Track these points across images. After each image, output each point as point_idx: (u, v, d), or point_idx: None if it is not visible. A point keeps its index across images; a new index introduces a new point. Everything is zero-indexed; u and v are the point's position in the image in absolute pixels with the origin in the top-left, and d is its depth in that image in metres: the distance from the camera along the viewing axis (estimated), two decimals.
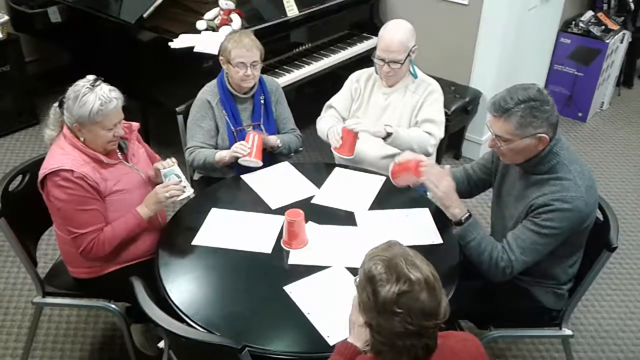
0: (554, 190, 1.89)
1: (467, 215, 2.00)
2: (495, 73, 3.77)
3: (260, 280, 1.94)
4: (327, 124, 2.67)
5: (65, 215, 2.03)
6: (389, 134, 2.47)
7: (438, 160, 3.22)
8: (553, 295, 2.14)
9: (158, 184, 2.14)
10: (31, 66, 4.34)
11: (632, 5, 4.70)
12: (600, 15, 4.54)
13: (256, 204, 2.29)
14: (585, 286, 2.14)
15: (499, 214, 2.18)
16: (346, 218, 2.23)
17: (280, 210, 2.20)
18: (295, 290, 1.86)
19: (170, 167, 2.12)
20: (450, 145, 3.93)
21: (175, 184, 2.09)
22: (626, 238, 3.36)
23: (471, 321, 2.35)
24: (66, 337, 2.60)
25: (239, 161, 2.45)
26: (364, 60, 3.79)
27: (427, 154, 2.68)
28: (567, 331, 2.21)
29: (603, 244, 2.04)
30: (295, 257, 2.02)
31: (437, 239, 2.14)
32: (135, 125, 2.24)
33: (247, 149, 2.42)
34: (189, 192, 2.13)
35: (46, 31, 4.12)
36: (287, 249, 2.05)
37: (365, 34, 4.02)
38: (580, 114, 4.58)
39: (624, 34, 4.58)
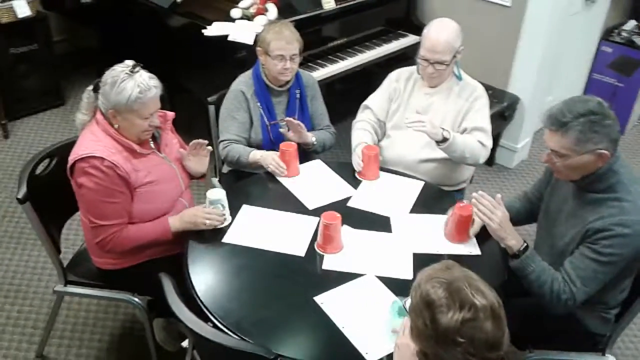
0: (612, 213, 1.77)
1: (524, 246, 1.88)
2: (535, 78, 3.64)
3: (293, 285, 1.85)
4: (355, 140, 2.53)
5: (88, 204, 1.95)
6: (445, 139, 2.32)
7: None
8: (600, 319, 2.03)
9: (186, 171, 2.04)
10: (59, 46, 4.27)
11: None
12: None
13: (290, 203, 2.20)
14: (635, 312, 2.02)
15: (546, 230, 2.06)
16: (382, 223, 2.13)
17: (316, 212, 2.10)
18: (327, 301, 1.76)
19: (219, 195, 2.02)
20: None
21: (219, 214, 2.00)
22: None
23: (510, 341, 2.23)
24: (85, 326, 2.53)
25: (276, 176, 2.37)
26: (399, 58, 3.68)
27: (476, 165, 2.57)
28: (610, 358, 2.10)
29: None
30: (329, 263, 1.93)
31: (475, 250, 2.03)
32: (170, 114, 2.16)
33: (283, 170, 2.33)
34: (227, 221, 2.05)
35: (76, 11, 4.05)
36: (321, 253, 1.96)
37: (401, 32, 3.90)
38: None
39: None
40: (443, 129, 2.33)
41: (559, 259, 1.90)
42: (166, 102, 3.39)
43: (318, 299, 1.76)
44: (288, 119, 2.43)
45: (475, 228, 2.05)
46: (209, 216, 1.98)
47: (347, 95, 2.86)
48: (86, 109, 2.00)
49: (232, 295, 1.80)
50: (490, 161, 3.90)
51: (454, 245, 2.05)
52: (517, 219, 2.21)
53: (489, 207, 1.91)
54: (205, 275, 1.86)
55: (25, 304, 2.62)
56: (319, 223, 1.97)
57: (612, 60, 4.28)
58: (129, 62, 1.95)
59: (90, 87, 1.99)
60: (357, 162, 2.40)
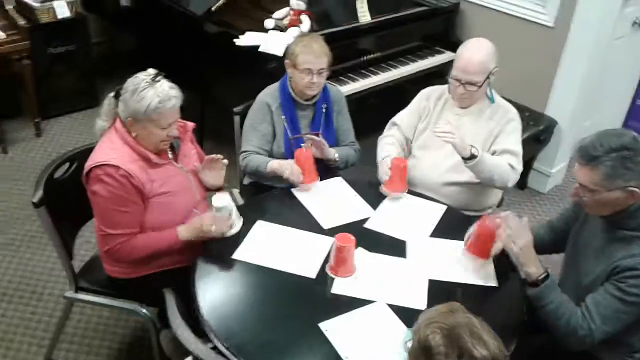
0: None
1: (544, 275, 1.79)
2: (575, 102, 3.50)
3: (300, 309, 1.79)
4: (383, 152, 2.46)
5: (100, 212, 1.94)
6: (473, 156, 2.22)
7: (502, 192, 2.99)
8: None
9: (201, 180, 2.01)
10: (97, 48, 4.34)
11: None
12: None
13: (305, 221, 2.14)
14: None
15: (572, 266, 1.96)
16: (397, 248, 2.06)
17: (332, 231, 2.04)
18: (331, 328, 1.69)
19: (226, 202, 1.97)
20: None
21: (226, 220, 1.96)
22: None
23: None
24: (96, 332, 2.53)
25: (292, 190, 2.31)
26: (434, 75, 3.60)
27: (504, 188, 2.48)
28: None
29: None
30: (340, 287, 1.86)
31: (491, 281, 1.94)
32: (191, 125, 2.13)
33: (299, 176, 2.28)
34: (237, 228, 2.01)
35: (115, 14, 4.11)
36: (333, 276, 1.90)
37: (438, 48, 3.81)
38: None
39: None
40: (472, 146, 2.24)
41: (583, 295, 1.80)
42: (197, 109, 3.47)
43: (323, 325, 1.70)
44: (309, 136, 2.38)
45: (496, 247, 1.95)
46: (215, 223, 1.93)
47: (378, 111, 2.80)
48: (106, 115, 2.00)
49: (237, 316, 1.76)
50: (523, 185, 3.77)
51: (472, 275, 1.97)
52: (541, 247, 2.11)
53: (514, 229, 1.82)
54: (212, 293, 1.82)
55: (39, 305, 2.63)
56: (332, 244, 1.91)
57: None
58: (152, 71, 1.94)
59: (112, 94, 1.98)
60: (384, 171, 2.32)
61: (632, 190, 1.66)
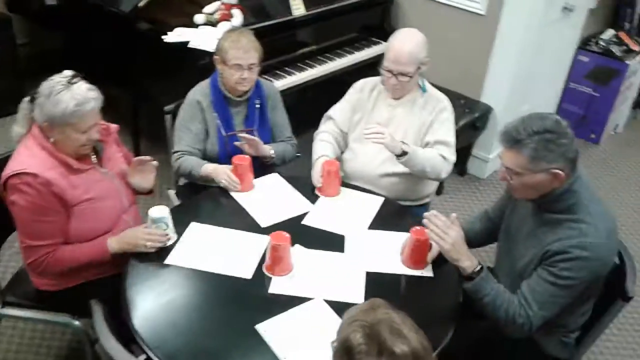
0: (571, 235, 1.70)
1: (478, 268, 1.80)
2: (509, 88, 3.58)
3: (237, 312, 1.75)
4: (317, 151, 2.44)
5: (20, 223, 1.84)
6: (404, 152, 2.25)
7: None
8: (559, 344, 1.96)
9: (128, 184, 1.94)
10: (22, 49, 4.14)
11: None
12: (622, 34, 4.33)
13: (241, 221, 2.10)
14: (595, 336, 1.96)
15: (506, 251, 1.99)
16: (335, 243, 2.04)
17: (269, 230, 1.99)
18: (269, 329, 1.66)
19: (162, 214, 1.90)
20: (456, 162, 3.71)
21: (161, 235, 1.89)
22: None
23: None
24: (30, 346, 2.41)
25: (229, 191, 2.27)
26: (372, 66, 3.59)
27: (439, 179, 2.50)
28: None
29: (617, 292, 1.86)
30: (277, 286, 1.83)
31: (427, 271, 1.96)
32: (114, 127, 2.05)
33: (237, 186, 2.23)
34: (172, 240, 1.94)
35: (41, 13, 3.93)
36: (269, 275, 1.86)
37: (374, 39, 3.82)
38: (593, 136, 4.38)
39: None
40: (403, 142, 2.25)
41: (518, 279, 1.83)
42: (128, 111, 3.36)
43: (260, 327, 1.66)
44: (244, 135, 2.33)
45: (433, 253, 1.97)
46: (150, 237, 1.87)
47: (317, 104, 2.78)
48: (22, 121, 1.90)
49: (171, 323, 1.69)
50: (463, 171, 3.83)
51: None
52: (478, 239, 2.15)
53: (441, 227, 1.82)
54: (144, 301, 1.75)
55: None
56: (268, 243, 1.88)
57: (589, 69, 4.22)
58: (68, 72, 1.85)
59: (27, 98, 1.88)
60: (316, 177, 2.31)
61: (555, 172, 1.68)
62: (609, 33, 4.35)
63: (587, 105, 4.31)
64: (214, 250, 1.94)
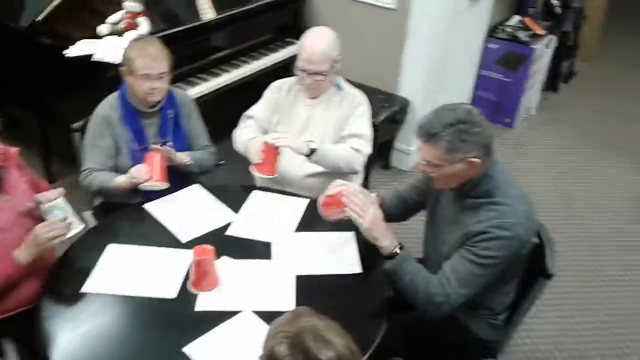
0: (491, 216, 1.75)
1: (399, 247, 1.81)
2: (424, 80, 3.64)
3: (162, 335, 1.67)
4: (247, 135, 2.43)
5: None
6: (312, 151, 2.26)
7: (367, 173, 3.04)
8: (488, 326, 2.00)
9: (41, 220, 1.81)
10: None
11: (558, 10, 4.70)
12: (527, 20, 4.50)
13: (161, 237, 2.02)
14: (521, 315, 2.01)
15: (433, 238, 2.02)
16: (262, 250, 2.00)
17: (192, 244, 1.93)
18: (196, 351, 1.59)
19: (53, 201, 1.79)
20: (379, 156, 3.77)
21: (60, 221, 1.77)
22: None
23: (401, 357, 2.16)
24: None
25: (140, 187, 2.16)
26: (289, 67, 3.56)
27: (355, 172, 2.51)
28: None
29: (538, 270, 1.92)
30: (204, 302, 1.77)
31: (356, 268, 1.95)
32: (14, 150, 1.91)
33: (146, 173, 2.14)
34: (77, 228, 1.82)
35: None
36: (195, 292, 1.79)
37: (289, 39, 3.79)
38: (507, 120, 4.54)
39: (550, 38, 4.57)
40: (309, 141, 2.26)
41: None
42: (35, 132, 3.17)
43: (188, 349, 1.60)
44: (154, 146, 2.25)
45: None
46: (49, 229, 1.73)
47: (236, 110, 2.71)
48: None
49: (92, 356, 1.60)
50: (387, 165, 3.87)
51: (337, 265, 1.96)
52: (388, 216, 2.13)
53: (360, 206, 1.83)
54: (61, 334, 1.64)
55: None
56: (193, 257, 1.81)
57: (499, 56, 4.37)
58: None
59: None
60: (254, 153, 2.24)
61: (472, 161, 1.72)
62: (515, 19, 4.52)
63: (500, 90, 4.46)
64: (133, 271, 1.85)
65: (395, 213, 2.16)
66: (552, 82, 5.09)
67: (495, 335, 2.03)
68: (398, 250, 1.81)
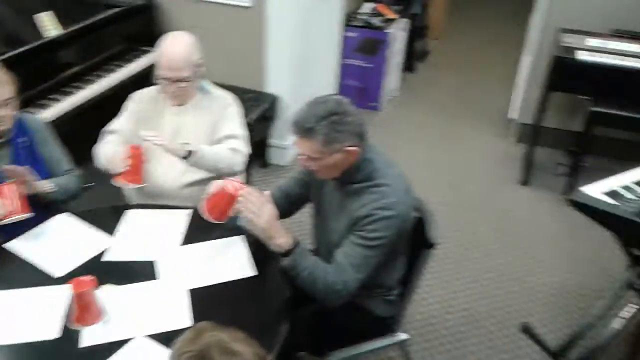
0: (374, 198, 1.80)
1: (295, 243, 1.81)
2: (289, 75, 3.67)
3: None
4: (109, 148, 2.31)
5: None
6: (190, 153, 2.19)
7: (247, 174, 3.00)
8: (384, 303, 2.07)
9: None
10: None
11: None
12: (379, 6, 4.69)
13: (32, 276, 1.85)
14: (413, 287, 2.10)
15: (321, 228, 2.04)
16: (147, 271, 1.90)
17: (68, 277, 1.79)
18: None
19: None
20: (256, 155, 3.72)
21: None
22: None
23: (307, 351, 2.17)
24: None
25: (4, 245, 1.97)
26: (149, 76, 3.41)
27: (235, 174, 2.47)
28: (402, 335, 2.17)
29: (422, 242, 2.01)
30: (90, 337, 1.65)
31: (250, 271, 1.92)
32: None
33: (3, 208, 1.95)
34: None
35: None
36: (78, 328, 1.67)
37: (144, 48, 3.64)
38: (373, 104, 4.71)
39: (402, 22, 4.79)
40: (185, 143, 2.21)
41: None
42: None
43: None
44: (7, 167, 2.05)
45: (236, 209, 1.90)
46: None
47: (98, 127, 2.55)
48: None
49: None
50: (265, 163, 3.87)
51: (230, 272, 1.92)
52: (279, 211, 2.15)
53: (256, 204, 1.80)
54: None
55: None
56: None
57: (357, 43, 4.51)
58: None
59: None
60: (117, 162, 2.16)
61: (349, 150, 1.76)
62: (368, 7, 4.68)
63: (363, 77, 4.61)
64: (5, 319, 1.68)
65: (280, 209, 2.15)
66: (409, 62, 5.35)
67: (392, 310, 2.10)
68: (294, 247, 1.80)
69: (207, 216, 1.93)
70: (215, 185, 1.95)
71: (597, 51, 3.45)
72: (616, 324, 2.48)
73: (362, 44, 4.50)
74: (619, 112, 3.42)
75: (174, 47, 2.26)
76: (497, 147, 4.32)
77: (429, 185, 3.76)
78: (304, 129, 1.74)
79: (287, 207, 2.15)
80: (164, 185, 2.35)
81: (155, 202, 2.31)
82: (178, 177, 2.36)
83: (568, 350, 2.61)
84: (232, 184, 1.88)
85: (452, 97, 5.04)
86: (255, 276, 1.92)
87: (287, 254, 1.80)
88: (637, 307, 2.40)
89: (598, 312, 2.54)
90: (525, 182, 3.88)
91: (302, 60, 3.74)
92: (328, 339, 2.08)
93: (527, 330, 2.78)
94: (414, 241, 2.01)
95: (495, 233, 3.43)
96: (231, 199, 1.86)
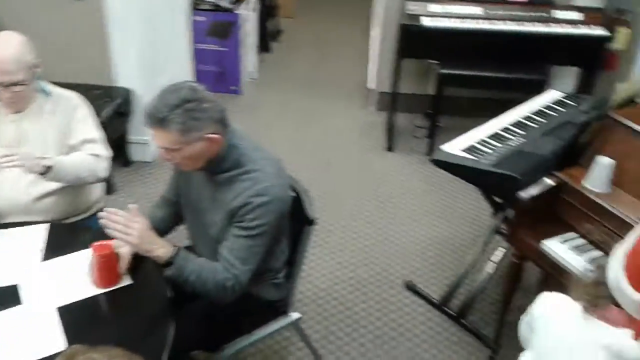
0: (246, 186, 1.74)
1: (175, 250, 1.73)
2: (139, 65, 3.47)
3: None
4: None
5: None
6: (48, 168, 1.99)
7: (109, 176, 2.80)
8: (273, 287, 2.04)
9: None
10: None
11: None
12: None
13: None
14: (299, 266, 2.09)
15: (197, 225, 1.95)
16: (7, 297, 1.70)
17: None
18: None
19: None
20: (116, 154, 3.49)
21: None
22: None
23: (200, 349, 2.09)
24: None
25: None
26: None
27: (100, 180, 2.30)
28: (294, 315, 2.16)
29: (302, 220, 2.00)
30: None
31: (124, 280, 1.80)
32: None
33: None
34: None
35: None
36: None
37: None
38: (234, 88, 4.61)
39: (252, 2, 4.71)
40: (42, 157, 1.99)
41: (217, 246, 1.81)
42: None
43: None
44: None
45: (125, 259, 1.79)
46: None
47: None
48: None
49: None
50: (127, 162, 3.65)
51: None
52: (166, 225, 2.06)
53: (123, 223, 1.69)
54: None
55: None
56: None
57: (208, 27, 4.37)
58: None
59: None
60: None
61: (211, 137, 1.69)
62: None
63: (219, 61, 4.49)
64: None
65: (167, 220, 2.05)
66: (264, 43, 5.30)
67: (281, 293, 2.08)
68: (175, 254, 1.72)
69: (101, 287, 1.76)
70: (90, 256, 1.78)
71: (439, 16, 3.62)
72: (489, 268, 2.67)
73: (213, 27, 4.37)
74: (465, 73, 3.65)
75: (3, 49, 2.02)
76: (360, 117, 4.43)
77: (300, 163, 3.76)
78: (157, 120, 1.64)
79: (173, 214, 2.05)
80: (11, 202, 2.12)
81: (6, 220, 2.09)
82: (28, 189, 2.13)
83: (450, 300, 2.76)
84: (101, 246, 1.74)
85: (310, 74, 5.08)
86: (129, 284, 1.79)
87: (169, 263, 1.72)
88: (505, 249, 2.59)
89: (472, 260, 2.71)
90: (390, 148, 4.02)
91: (151, 50, 3.55)
92: (220, 333, 2.01)
93: (410, 287, 2.90)
94: (294, 220, 1.99)
95: (371, 200, 3.53)
96: (111, 258, 1.74)
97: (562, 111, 2.56)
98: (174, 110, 1.62)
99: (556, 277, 2.03)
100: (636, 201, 2.03)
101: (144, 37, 3.45)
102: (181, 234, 2.10)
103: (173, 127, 1.62)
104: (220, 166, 1.77)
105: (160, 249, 1.72)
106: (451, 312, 2.73)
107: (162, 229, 2.00)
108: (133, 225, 1.70)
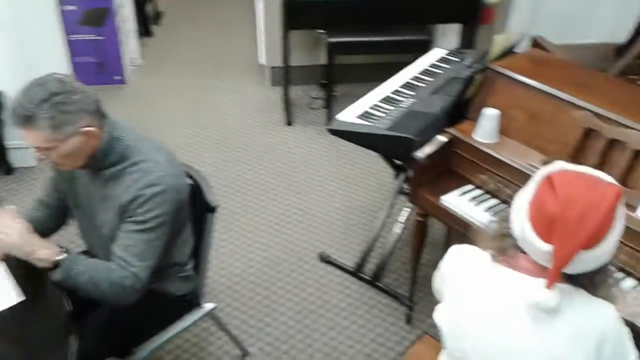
0: (135, 179, 1.64)
1: (61, 252, 1.61)
2: (7, 65, 3.19)
3: None
4: None
5: None
6: None
7: None
8: (181, 280, 1.96)
9: None
10: None
11: None
12: None
13: None
14: (206, 256, 2.03)
15: (88, 225, 1.83)
16: None
17: None
18: None
19: None
20: None
21: None
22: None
23: (112, 356, 1.98)
24: None
25: None
26: None
27: None
28: (209, 305, 2.11)
29: (203, 208, 1.94)
30: None
31: (15, 298, 1.65)
32: None
33: None
34: None
35: None
36: None
37: None
38: (117, 77, 4.35)
39: None
40: None
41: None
42: None
43: None
44: None
45: None
46: None
47: None
48: None
49: None
50: (9, 169, 3.37)
51: None
52: (48, 227, 1.92)
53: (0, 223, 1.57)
54: None
55: None
56: None
57: (80, 16, 4.08)
58: None
59: None
60: None
61: (86, 131, 1.57)
62: None
63: (97, 50, 4.22)
64: None
65: (46, 222, 1.90)
66: (145, 27, 5.05)
67: (191, 285, 2.01)
68: (62, 256, 1.60)
69: None
70: None
71: None
72: (397, 228, 2.72)
73: (86, 15, 4.08)
74: (352, 39, 3.66)
75: None
76: (256, 94, 4.35)
77: (199, 148, 3.65)
78: (24, 118, 1.51)
79: (52, 219, 1.92)
80: None
81: None
82: None
83: (364, 265, 2.80)
84: None
85: (199, 54, 4.90)
86: (22, 302, 1.65)
87: (56, 266, 1.60)
88: (410, 209, 2.65)
89: (380, 223, 2.75)
90: (289, 122, 3.98)
91: (17, 47, 3.26)
92: (129, 338, 1.92)
93: (324, 258, 2.91)
94: (194, 209, 1.91)
95: (276, 177, 3.48)
96: None
97: (447, 68, 2.62)
98: (41, 105, 1.49)
99: (460, 231, 2.09)
100: (523, 147, 2.12)
101: (11, 35, 3.17)
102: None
103: (42, 124, 1.50)
104: (104, 161, 1.66)
105: (44, 250, 1.60)
106: (366, 277, 2.78)
107: (45, 231, 1.86)
108: (12, 225, 1.58)
